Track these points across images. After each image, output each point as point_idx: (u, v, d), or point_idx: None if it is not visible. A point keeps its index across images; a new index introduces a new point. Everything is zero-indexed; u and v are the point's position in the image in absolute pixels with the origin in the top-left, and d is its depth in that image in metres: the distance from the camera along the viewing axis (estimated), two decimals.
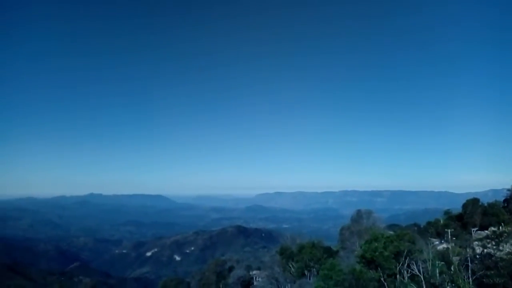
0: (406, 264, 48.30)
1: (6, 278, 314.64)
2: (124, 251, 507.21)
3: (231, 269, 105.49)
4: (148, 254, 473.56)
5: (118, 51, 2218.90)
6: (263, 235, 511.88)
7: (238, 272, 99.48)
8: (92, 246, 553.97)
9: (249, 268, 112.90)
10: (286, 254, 79.19)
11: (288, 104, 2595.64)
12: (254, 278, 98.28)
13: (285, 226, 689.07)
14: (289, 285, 69.59)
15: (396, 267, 48.34)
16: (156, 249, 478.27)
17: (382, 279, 47.15)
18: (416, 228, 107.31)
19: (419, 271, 46.32)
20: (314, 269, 67.35)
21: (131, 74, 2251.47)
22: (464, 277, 44.10)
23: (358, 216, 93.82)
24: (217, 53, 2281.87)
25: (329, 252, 75.89)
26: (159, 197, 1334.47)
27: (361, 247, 57.23)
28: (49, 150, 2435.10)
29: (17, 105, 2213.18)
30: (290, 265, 75.04)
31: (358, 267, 50.62)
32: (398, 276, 48.58)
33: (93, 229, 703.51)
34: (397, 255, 48.89)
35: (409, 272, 48.04)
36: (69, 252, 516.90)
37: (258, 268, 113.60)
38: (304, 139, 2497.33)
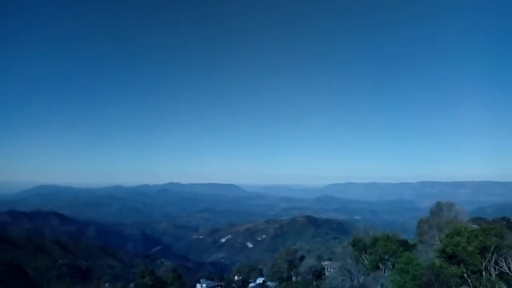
0: (493, 261, 44.64)
1: (98, 259, 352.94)
2: (200, 237, 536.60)
3: (302, 258, 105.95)
4: (223, 240, 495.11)
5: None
6: (334, 226, 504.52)
7: (309, 261, 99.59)
8: (172, 232, 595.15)
9: (320, 258, 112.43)
10: (359, 246, 77.55)
11: (359, 91, 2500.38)
12: (326, 268, 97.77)
13: (357, 217, 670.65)
14: (362, 277, 68.17)
15: (481, 263, 44.92)
16: (230, 236, 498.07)
17: (465, 275, 44.22)
18: (505, 222, 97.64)
19: (509, 268, 42.56)
20: (389, 262, 65.20)
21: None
22: None
23: (438, 209, 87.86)
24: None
25: (406, 246, 72.72)
26: (231, 186, 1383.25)
27: (441, 241, 54.06)
28: (134, 142, 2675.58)
29: (105, 105, 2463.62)
30: (363, 257, 73.40)
31: (438, 261, 48.07)
32: (484, 273, 45.10)
33: (172, 215, 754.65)
34: (483, 250, 45.36)
35: (497, 270, 44.37)
36: (152, 236, 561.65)
37: (330, 259, 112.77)
38: (378, 126, 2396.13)
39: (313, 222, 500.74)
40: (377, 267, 67.44)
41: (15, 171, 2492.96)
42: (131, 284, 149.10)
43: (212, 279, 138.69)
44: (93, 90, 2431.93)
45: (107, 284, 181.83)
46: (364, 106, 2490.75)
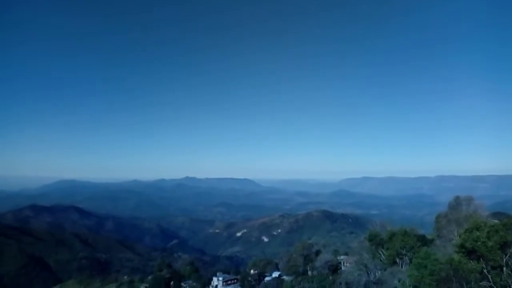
0: None
1: (117, 252, 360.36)
2: (216, 230, 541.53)
3: (318, 253, 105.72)
4: (238, 234, 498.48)
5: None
6: (350, 220, 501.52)
7: (325, 256, 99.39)
8: (188, 225, 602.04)
9: (336, 252, 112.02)
10: (376, 241, 77.01)
11: (376, 84, 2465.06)
12: (342, 263, 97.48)
13: (373, 212, 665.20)
14: (379, 272, 67.72)
15: (502, 259, 43.96)
16: (245, 230, 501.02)
17: (485, 271, 43.37)
18: None
19: None
20: (406, 257, 64.62)
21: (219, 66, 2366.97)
22: None
23: (457, 203, 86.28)
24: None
25: (423, 240, 71.92)
26: (246, 180, 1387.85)
27: (460, 236, 53.18)
28: (151, 138, 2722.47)
29: (121, 102, 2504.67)
30: (380, 252, 72.89)
31: (456, 257, 47.32)
32: (505, 269, 44.17)
33: (189, 209, 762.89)
34: (504, 246, 44.33)
35: None
36: (169, 230, 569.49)
37: (346, 254, 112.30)
38: (395, 120, 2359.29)
39: (329, 216, 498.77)
40: (394, 262, 66.93)
41: (36, 166, 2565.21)
42: (149, 277, 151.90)
43: (228, 273, 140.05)
44: (111, 87, 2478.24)
45: (125, 277, 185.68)
46: (381, 100, 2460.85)
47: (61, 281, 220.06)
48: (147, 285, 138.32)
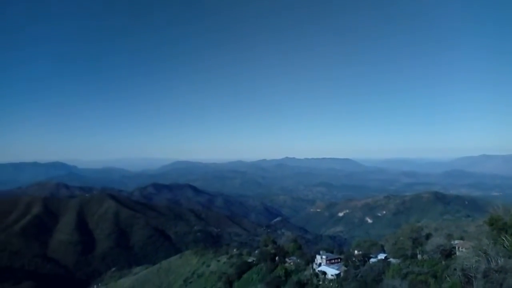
0: None
1: (226, 226, 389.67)
2: (318, 210, 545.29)
3: (428, 236, 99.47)
4: (340, 214, 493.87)
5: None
6: (466, 203, 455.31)
7: (437, 240, 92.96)
8: (290, 204, 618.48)
9: (450, 237, 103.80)
10: (498, 225, 69.56)
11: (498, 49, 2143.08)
12: (457, 248, 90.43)
13: (494, 194, 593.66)
14: (502, 259, 61.39)
15: None
16: (347, 210, 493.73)
17: None
18: None
19: None
20: None
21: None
22: None
23: None
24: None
25: None
26: (347, 160, 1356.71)
27: None
28: (253, 120, 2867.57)
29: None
30: (503, 238, 65.87)
31: None
32: None
33: (289, 188, 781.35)
34: None
35: None
36: (272, 208, 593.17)
37: (461, 238, 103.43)
38: None
39: (440, 198, 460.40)
40: None
41: (157, 149, 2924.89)
42: (256, 251, 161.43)
43: (331, 252, 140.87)
44: (228, 79, 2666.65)
45: (235, 250, 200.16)
46: (499, 67, 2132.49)
47: (180, 251, 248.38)
48: (254, 259, 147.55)
